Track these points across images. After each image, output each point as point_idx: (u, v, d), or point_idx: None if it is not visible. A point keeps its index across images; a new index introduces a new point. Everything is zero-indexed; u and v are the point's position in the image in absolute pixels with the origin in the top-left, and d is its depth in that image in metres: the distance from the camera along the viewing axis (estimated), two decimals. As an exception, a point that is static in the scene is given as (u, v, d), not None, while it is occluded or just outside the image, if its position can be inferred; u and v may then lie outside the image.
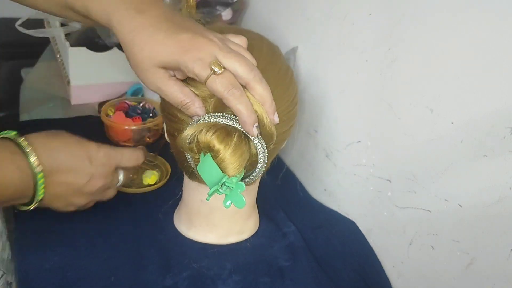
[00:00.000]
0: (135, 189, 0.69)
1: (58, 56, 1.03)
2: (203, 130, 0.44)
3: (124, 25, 0.44)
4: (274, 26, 0.86)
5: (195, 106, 0.46)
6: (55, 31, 0.93)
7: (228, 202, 0.46)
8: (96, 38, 0.90)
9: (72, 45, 0.88)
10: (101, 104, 0.90)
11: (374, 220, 0.65)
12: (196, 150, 0.46)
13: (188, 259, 0.56)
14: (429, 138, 0.54)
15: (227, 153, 0.44)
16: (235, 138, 0.45)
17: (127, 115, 0.82)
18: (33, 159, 0.47)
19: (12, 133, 0.48)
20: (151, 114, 0.84)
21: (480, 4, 0.46)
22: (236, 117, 0.45)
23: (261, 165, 0.49)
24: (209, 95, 0.47)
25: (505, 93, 0.45)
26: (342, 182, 0.71)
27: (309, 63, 0.75)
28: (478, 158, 0.48)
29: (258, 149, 0.47)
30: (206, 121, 0.45)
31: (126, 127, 0.79)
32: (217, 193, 0.46)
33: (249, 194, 0.58)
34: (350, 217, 0.70)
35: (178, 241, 0.59)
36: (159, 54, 0.43)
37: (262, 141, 0.47)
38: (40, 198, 0.49)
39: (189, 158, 0.50)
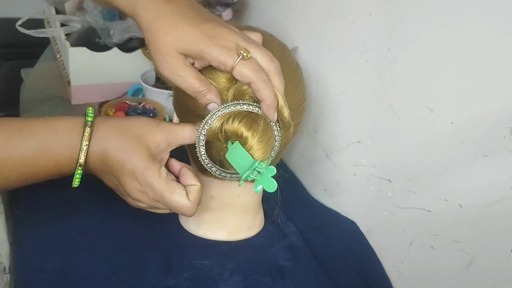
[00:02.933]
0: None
1: (58, 56, 1.03)
2: (230, 119, 0.46)
3: (151, 11, 0.45)
4: (274, 26, 0.86)
5: (211, 94, 0.46)
6: (55, 31, 0.93)
7: (259, 187, 0.47)
8: (96, 38, 0.90)
9: (72, 45, 0.88)
10: (101, 104, 0.89)
11: (374, 220, 0.65)
12: (223, 139, 0.47)
13: (189, 259, 0.56)
14: (429, 138, 0.54)
15: (255, 139, 0.45)
16: (262, 124, 0.46)
17: (127, 115, 0.82)
18: (82, 154, 0.45)
19: (89, 117, 0.46)
20: (151, 115, 0.84)
21: (480, 4, 0.46)
22: (256, 103, 0.46)
23: (275, 153, 0.49)
24: (226, 87, 0.48)
25: (505, 93, 0.45)
26: (342, 182, 0.71)
27: (309, 63, 0.75)
28: (478, 158, 0.48)
29: (276, 136, 0.48)
30: (229, 109, 0.46)
31: (127, 127, 0.79)
32: (248, 179, 0.47)
33: None
34: (350, 217, 0.70)
35: (180, 241, 0.59)
36: (184, 40, 0.44)
37: (278, 128, 0.48)
38: (74, 185, 0.48)
39: (202, 153, 0.49)
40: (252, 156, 0.46)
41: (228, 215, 0.58)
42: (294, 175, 0.81)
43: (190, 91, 0.46)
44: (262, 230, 0.63)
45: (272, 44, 0.53)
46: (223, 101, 0.47)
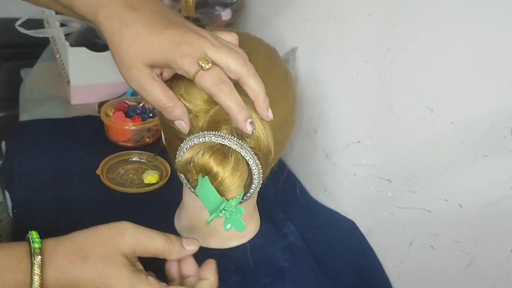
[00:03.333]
0: (135, 189, 0.69)
1: (58, 56, 1.03)
2: (200, 152, 0.43)
3: (113, 20, 0.42)
4: (273, 26, 0.86)
5: (178, 111, 0.44)
6: (55, 31, 0.93)
7: (228, 226, 0.45)
8: (96, 38, 0.90)
9: (72, 45, 0.88)
10: (100, 104, 0.89)
11: (374, 220, 0.65)
12: (194, 171, 0.45)
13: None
14: (429, 138, 0.54)
15: (225, 176, 0.43)
16: (232, 159, 0.43)
17: (127, 115, 0.82)
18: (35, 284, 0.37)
19: (35, 243, 0.39)
20: (150, 114, 0.84)
21: (480, 3, 0.46)
22: (231, 136, 0.44)
23: (256, 186, 0.47)
24: (202, 110, 0.45)
25: (505, 93, 0.45)
26: (342, 182, 0.71)
27: (308, 63, 0.75)
28: (478, 158, 0.48)
29: (253, 169, 0.45)
30: (201, 139, 0.44)
31: (126, 127, 0.79)
32: (217, 217, 0.45)
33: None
34: (350, 217, 0.70)
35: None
36: (148, 50, 0.41)
37: (257, 161, 0.45)
38: None
39: (182, 178, 0.48)
40: (222, 193, 0.44)
41: (219, 224, 0.57)
42: (294, 175, 0.81)
43: (156, 106, 0.44)
44: (261, 230, 0.62)
45: (258, 55, 0.51)
46: (198, 128, 0.45)
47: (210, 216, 0.44)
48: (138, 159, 0.77)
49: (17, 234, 0.58)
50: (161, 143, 0.77)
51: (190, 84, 0.44)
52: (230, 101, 0.41)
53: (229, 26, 1.00)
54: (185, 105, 0.45)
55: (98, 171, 0.70)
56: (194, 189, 0.46)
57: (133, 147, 0.80)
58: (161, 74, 0.45)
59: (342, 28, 0.66)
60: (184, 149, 0.45)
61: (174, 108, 0.44)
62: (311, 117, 0.75)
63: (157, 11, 0.43)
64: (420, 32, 0.53)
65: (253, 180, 0.47)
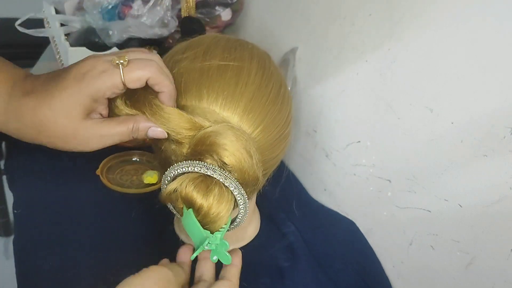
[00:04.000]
0: (135, 189, 0.69)
1: (58, 56, 1.03)
2: (183, 184, 0.43)
3: (23, 119, 0.40)
4: (273, 26, 0.86)
5: (142, 124, 0.42)
6: (55, 31, 0.93)
7: (214, 257, 0.45)
8: (96, 38, 0.90)
9: (72, 45, 0.88)
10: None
11: (374, 220, 0.65)
12: (180, 200, 0.44)
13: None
14: (429, 138, 0.54)
15: (209, 208, 0.42)
16: (216, 191, 0.42)
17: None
18: None
19: None
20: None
21: (480, 4, 0.46)
22: (215, 167, 0.42)
23: (242, 215, 0.47)
24: (186, 136, 0.44)
25: (505, 93, 0.45)
26: (342, 182, 0.71)
27: (308, 63, 0.75)
28: (478, 158, 0.48)
29: (238, 200, 0.44)
30: (184, 169, 0.43)
31: (126, 127, 0.79)
32: (203, 250, 0.44)
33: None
34: (349, 217, 0.70)
35: (178, 243, 0.59)
36: (71, 108, 0.40)
37: (242, 191, 0.44)
38: None
39: (169, 205, 0.48)
40: (206, 225, 0.43)
41: None
42: (294, 175, 0.81)
43: (124, 138, 0.43)
44: (261, 230, 0.62)
45: (250, 67, 0.48)
46: (182, 155, 0.44)
47: (193, 254, 0.44)
48: (138, 159, 0.77)
49: (17, 235, 0.58)
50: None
51: (167, 115, 0.43)
52: (167, 79, 0.41)
53: (228, 26, 1.00)
54: (168, 134, 0.43)
55: (98, 171, 0.70)
56: (181, 216, 0.46)
57: (133, 147, 0.80)
58: (101, 114, 0.43)
59: (342, 28, 0.66)
60: (169, 177, 0.44)
61: (138, 124, 0.42)
62: (311, 117, 0.75)
63: (47, 77, 0.42)
64: (420, 32, 0.53)
65: (239, 209, 0.46)
